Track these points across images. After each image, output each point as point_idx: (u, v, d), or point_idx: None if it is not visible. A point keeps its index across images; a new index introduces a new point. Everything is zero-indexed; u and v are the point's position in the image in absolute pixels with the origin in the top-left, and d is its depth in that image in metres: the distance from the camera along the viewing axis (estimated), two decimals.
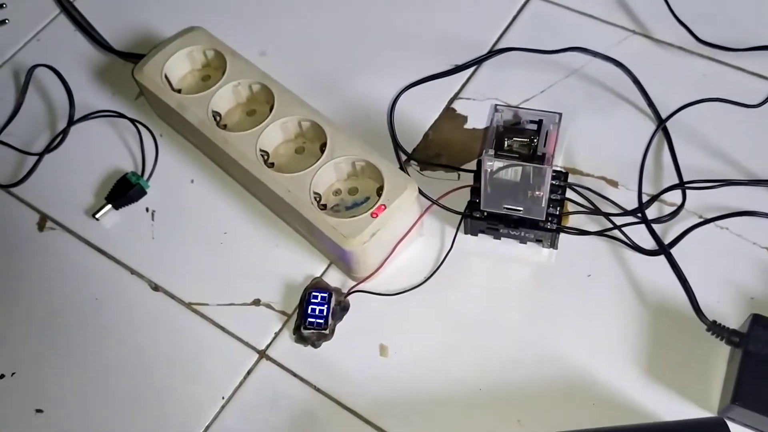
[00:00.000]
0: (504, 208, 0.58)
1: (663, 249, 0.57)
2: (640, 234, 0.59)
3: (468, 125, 0.68)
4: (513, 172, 0.55)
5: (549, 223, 0.58)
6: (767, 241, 0.58)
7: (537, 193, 0.55)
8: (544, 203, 0.56)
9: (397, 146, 0.66)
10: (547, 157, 0.52)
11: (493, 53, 0.70)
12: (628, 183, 0.62)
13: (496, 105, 0.55)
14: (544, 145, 0.53)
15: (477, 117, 0.68)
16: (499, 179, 0.56)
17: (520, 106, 0.68)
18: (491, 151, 0.53)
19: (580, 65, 0.69)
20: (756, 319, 0.51)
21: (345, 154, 0.59)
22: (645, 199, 0.61)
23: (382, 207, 0.56)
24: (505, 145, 0.54)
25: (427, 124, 0.68)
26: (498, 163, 0.53)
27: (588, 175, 0.63)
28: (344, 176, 0.60)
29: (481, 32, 0.73)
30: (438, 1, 0.76)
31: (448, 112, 0.69)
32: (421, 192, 0.60)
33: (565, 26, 0.72)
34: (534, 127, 0.54)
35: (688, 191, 0.60)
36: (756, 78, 0.66)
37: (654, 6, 0.71)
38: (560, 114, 0.54)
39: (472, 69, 0.71)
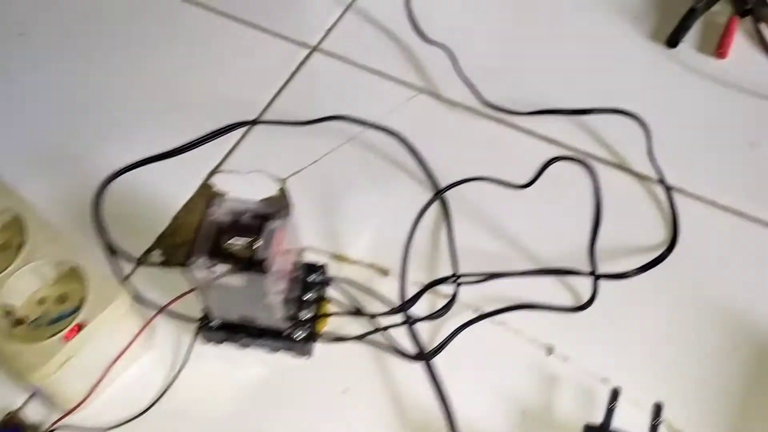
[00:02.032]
0: (239, 316, 0.48)
1: (423, 356, 0.49)
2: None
3: None
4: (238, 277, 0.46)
5: (298, 331, 0.49)
6: (548, 336, 0.51)
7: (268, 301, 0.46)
8: (279, 313, 0.47)
9: (108, 244, 0.54)
10: (266, 264, 0.43)
11: (254, 122, 0.61)
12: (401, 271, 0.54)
13: (214, 197, 0.46)
14: (268, 248, 0.44)
15: (238, 194, 0.59)
16: (227, 284, 0.46)
17: (289, 178, 0.59)
18: (202, 259, 0.44)
19: (359, 130, 0.61)
20: None
21: (46, 256, 0.48)
22: (417, 289, 0.53)
23: (76, 328, 0.45)
24: (223, 247, 0.44)
25: (178, 205, 0.58)
26: (215, 271, 0.44)
27: (356, 263, 0.55)
28: (50, 281, 0.49)
29: (252, 93, 0.64)
30: (202, 58, 0.66)
31: (205, 189, 0.59)
32: (138, 300, 0.50)
33: (348, 83, 0.64)
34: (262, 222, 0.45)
35: (462, 282, 0.53)
36: (541, 141, 0.60)
37: (443, 65, 0.64)
38: (291, 206, 0.45)
39: (236, 137, 0.61)
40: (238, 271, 0.43)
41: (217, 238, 0.44)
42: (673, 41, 0.64)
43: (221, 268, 0.43)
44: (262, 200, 0.45)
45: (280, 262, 0.45)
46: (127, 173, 0.57)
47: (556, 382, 0.49)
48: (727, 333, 0.50)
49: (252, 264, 0.43)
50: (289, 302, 0.49)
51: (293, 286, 0.49)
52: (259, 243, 0.43)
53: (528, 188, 0.53)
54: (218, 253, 0.44)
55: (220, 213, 0.45)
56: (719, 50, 0.64)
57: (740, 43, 0.65)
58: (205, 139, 0.60)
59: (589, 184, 0.50)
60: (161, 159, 0.59)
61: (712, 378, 0.49)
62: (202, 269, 0.43)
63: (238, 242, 0.44)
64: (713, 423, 0.47)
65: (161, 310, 0.50)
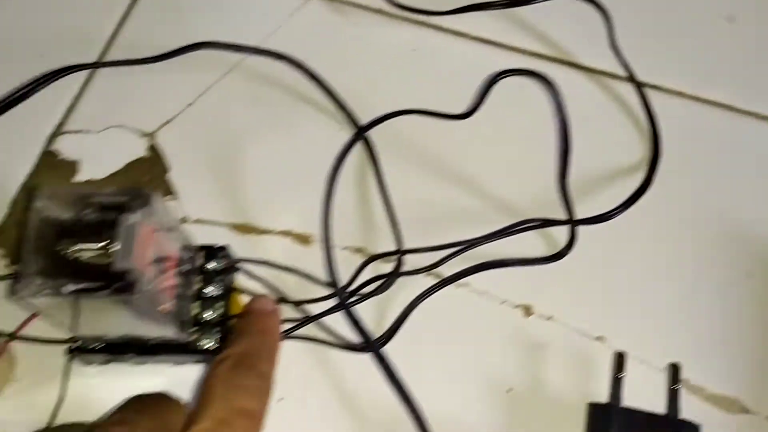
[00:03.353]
0: (118, 336, 0.35)
1: (370, 345, 0.37)
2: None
3: (81, 176, 0.43)
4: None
5: (205, 339, 0.36)
6: (523, 295, 0.40)
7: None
8: (170, 328, 0.34)
9: None
10: (131, 277, 0.29)
11: (97, 65, 0.45)
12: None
13: (39, 190, 0.31)
14: (129, 253, 0.30)
15: (95, 160, 0.44)
16: (82, 307, 0.32)
17: (159, 131, 0.44)
18: (34, 279, 0.30)
19: (239, 57, 0.46)
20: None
21: None
22: (349, 255, 0.40)
23: None
24: (63, 257, 0.30)
25: (16, 184, 0.43)
26: (44, 300, 0.30)
27: (266, 232, 0.42)
28: None
29: (90, 22, 0.48)
30: None
31: (48, 159, 0.43)
32: None
33: None
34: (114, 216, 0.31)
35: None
36: (475, 44, 0.47)
37: None
38: (149, 195, 0.31)
39: (78, 84, 0.45)
40: (93, 292, 0.29)
41: (53, 246, 0.30)
42: None
43: (65, 289, 0.29)
44: (111, 188, 0.31)
45: (153, 267, 0.31)
46: None
47: (542, 349, 0.39)
48: (736, 258, 0.41)
49: (111, 279, 0.29)
50: (183, 307, 0.36)
51: (185, 284, 0.36)
52: (116, 247, 0.30)
53: (470, 117, 0.41)
54: (58, 268, 0.30)
55: (52, 207, 0.31)
56: None
57: None
58: (29, 90, 0.42)
59: (548, 102, 0.39)
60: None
61: (725, 317, 0.40)
62: (35, 294, 0.29)
63: (85, 249, 0.30)
64: (737, 370, 0.39)
65: (12, 337, 0.36)
